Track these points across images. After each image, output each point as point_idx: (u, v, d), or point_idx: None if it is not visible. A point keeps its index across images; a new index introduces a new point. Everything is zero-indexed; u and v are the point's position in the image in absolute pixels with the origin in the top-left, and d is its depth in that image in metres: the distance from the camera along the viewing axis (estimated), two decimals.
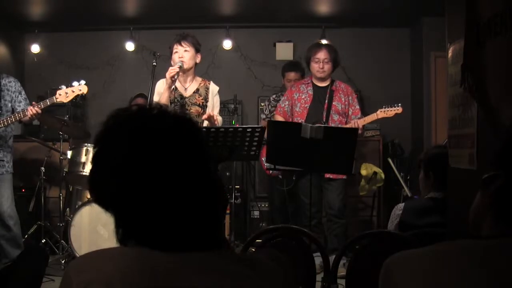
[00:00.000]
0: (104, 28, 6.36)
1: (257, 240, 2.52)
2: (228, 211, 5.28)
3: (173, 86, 3.93)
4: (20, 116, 4.01)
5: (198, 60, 4.11)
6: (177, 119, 1.09)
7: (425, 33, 5.86)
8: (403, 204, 2.72)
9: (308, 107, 4.68)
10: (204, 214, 1.06)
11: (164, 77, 3.91)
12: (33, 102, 4.11)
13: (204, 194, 1.06)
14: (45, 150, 5.17)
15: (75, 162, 4.68)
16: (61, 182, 4.98)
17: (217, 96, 4.14)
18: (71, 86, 4.08)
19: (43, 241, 5.00)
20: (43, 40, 6.33)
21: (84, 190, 4.97)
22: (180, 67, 3.91)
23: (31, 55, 6.39)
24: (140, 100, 5.55)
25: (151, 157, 1.02)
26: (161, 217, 1.02)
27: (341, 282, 2.32)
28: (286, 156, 3.87)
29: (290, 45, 6.35)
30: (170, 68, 3.91)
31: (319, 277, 2.36)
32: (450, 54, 2.47)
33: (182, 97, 4.03)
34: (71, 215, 4.62)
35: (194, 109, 4.01)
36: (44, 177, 5.00)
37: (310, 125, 3.78)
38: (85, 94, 4.15)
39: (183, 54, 3.99)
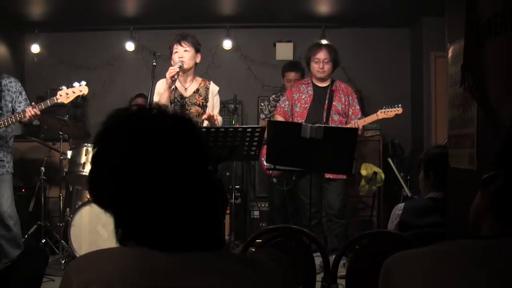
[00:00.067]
0: (104, 28, 6.36)
1: (257, 240, 2.52)
2: (228, 211, 5.28)
3: (173, 86, 3.93)
4: (20, 117, 4.01)
5: (198, 60, 4.11)
6: (177, 119, 1.09)
7: (425, 33, 5.86)
8: (403, 204, 2.72)
9: (308, 107, 4.68)
10: (204, 214, 1.06)
11: (164, 77, 3.91)
12: (33, 103, 4.11)
13: (204, 194, 1.06)
14: (45, 150, 5.17)
15: (75, 162, 4.68)
16: (61, 182, 4.98)
17: (217, 96, 4.14)
18: (72, 86, 4.08)
19: (43, 241, 5.00)
20: (43, 40, 6.33)
21: (84, 190, 4.97)
22: (180, 67, 3.91)
23: (31, 55, 6.39)
24: (140, 100, 5.55)
25: (150, 157, 1.02)
26: (161, 217, 1.02)
27: (341, 282, 2.32)
28: (286, 156, 3.87)
29: (290, 45, 6.35)
30: (170, 68, 3.91)
31: (319, 277, 2.36)
32: (450, 54, 2.47)
33: (182, 97, 4.03)
34: (71, 215, 4.62)
35: (194, 109, 4.01)
36: (44, 177, 5.00)
37: (310, 125, 3.77)
38: (85, 95, 4.14)
39: (183, 54, 3.99)
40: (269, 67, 6.30)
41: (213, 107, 4.07)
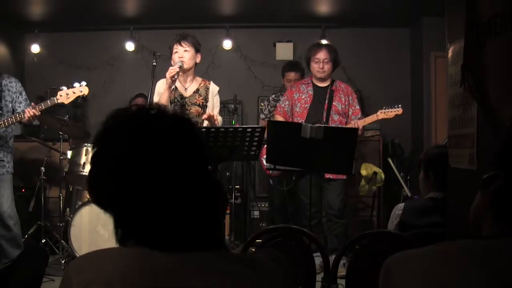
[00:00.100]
0: (104, 28, 6.36)
1: (257, 240, 2.52)
2: (228, 211, 5.29)
3: (173, 86, 3.93)
4: (19, 117, 4.01)
5: (198, 60, 4.11)
6: (176, 119, 1.09)
7: (425, 33, 5.86)
8: (403, 204, 2.72)
9: (308, 107, 4.68)
10: (204, 214, 1.06)
11: (164, 77, 3.91)
12: (32, 104, 4.11)
13: (203, 194, 1.06)
14: (45, 150, 5.17)
15: (75, 162, 4.68)
16: (61, 182, 4.98)
17: (217, 96, 4.14)
18: (72, 87, 4.08)
19: (43, 241, 5.00)
20: (43, 40, 6.33)
21: (84, 190, 4.97)
22: (180, 67, 3.91)
23: (31, 55, 6.39)
24: (140, 100, 5.55)
25: (150, 157, 1.02)
26: (161, 217, 1.02)
27: (341, 282, 2.32)
28: (286, 156, 3.87)
29: (290, 45, 6.35)
30: (170, 68, 3.91)
31: (319, 277, 2.36)
32: (450, 54, 2.47)
33: (182, 97, 4.03)
34: (71, 215, 4.62)
35: (194, 109, 4.01)
36: (44, 177, 5.00)
37: (310, 125, 3.77)
38: (85, 95, 4.14)
39: (183, 54, 3.99)
40: (269, 67, 6.30)
41: (213, 107, 4.07)
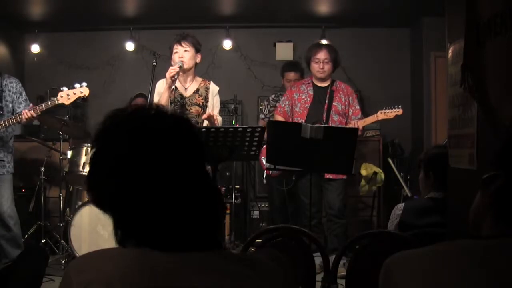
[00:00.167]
0: (104, 28, 6.36)
1: (257, 240, 2.52)
2: (228, 211, 5.29)
3: (173, 86, 3.93)
4: (17, 119, 4.01)
5: (198, 60, 4.11)
6: (176, 119, 1.09)
7: (425, 33, 5.86)
8: (403, 204, 2.72)
9: (308, 107, 4.68)
10: (204, 214, 1.06)
11: (164, 77, 3.91)
12: (30, 105, 4.11)
13: (203, 193, 1.06)
14: (45, 150, 5.17)
15: (75, 162, 4.68)
16: (61, 182, 4.98)
17: (217, 96, 4.14)
18: (73, 88, 4.07)
19: (43, 241, 5.00)
20: (43, 40, 6.33)
21: (84, 190, 4.97)
22: (180, 67, 3.91)
23: (31, 55, 6.39)
24: (140, 100, 5.55)
25: (150, 157, 1.02)
26: (161, 217, 1.02)
27: (341, 282, 2.32)
28: (286, 156, 3.87)
29: (290, 45, 6.35)
30: (170, 68, 3.91)
31: (319, 277, 2.36)
32: (450, 54, 2.47)
33: (182, 97, 4.03)
34: (71, 215, 4.62)
35: (194, 109, 4.02)
36: (44, 177, 5.00)
37: (310, 125, 3.77)
38: (86, 96, 4.14)
39: (183, 54, 3.99)
40: (269, 67, 6.30)
41: (213, 107, 4.07)
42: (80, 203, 4.81)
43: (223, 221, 1.15)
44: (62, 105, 4.13)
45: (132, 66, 6.39)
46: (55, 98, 4.05)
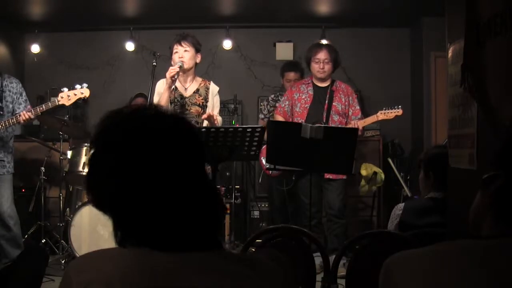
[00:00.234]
0: (104, 28, 6.36)
1: (257, 240, 2.52)
2: (228, 211, 5.29)
3: (173, 86, 3.93)
4: (16, 120, 4.01)
5: (198, 60, 4.11)
6: (175, 119, 1.09)
7: (425, 33, 5.86)
8: (403, 204, 2.72)
9: (308, 107, 4.68)
10: (204, 214, 1.06)
11: (164, 77, 3.91)
12: (28, 107, 4.11)
13: (203, 193, 1.06)
14: (45, 150, 5.17)
15: (75, 162, 4.68)
16: (61, 182, 4.98)
17: (217, 96, 4.14)
18: (73, 89, 4.07)
19: (43, 241, 5.00)
20: (43, 40, 6.33)
21: (84, 190, 4.97)
22: (180, 67, 3.91)
23: (31, 55, 6.39)
24: (140, 100, 5.55)
25: (150, 157, 1.02)
26: (160, 217, 1.02)
27: (341, 282, 2.32)
28: (286, 156, 3.87)
29: (290, 45, 6.35)
30: (170, 68, 3.91)
31: (319, 277, 2.36)
32: (450, 54, 2.47)
33: (182, 97, 4.03)
34: (71, 215, 4.62)
35: (194, 109, 4.01)
36: (44, 177, 5.01)
37: (310, 125, 3.77)
38: (86, 97, 4.14)
39: (183, 54, 3.99)
40: (269, 67, 6.30)
41: (213, 107, 4.07)
42: (80, 203, 4.80)
43: (223, 221, 1.15)
44: (63, 106, 4.13)
45: (132, 66, 6.39)
46: (56, 99, 4.05)
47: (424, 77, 5.93)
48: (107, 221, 1.06)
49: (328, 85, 4.72)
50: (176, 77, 3.92)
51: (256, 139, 3.36)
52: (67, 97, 4.05)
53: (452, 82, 2.41)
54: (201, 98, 4.06)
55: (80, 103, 5.90)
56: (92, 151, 1.07)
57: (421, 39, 5.94)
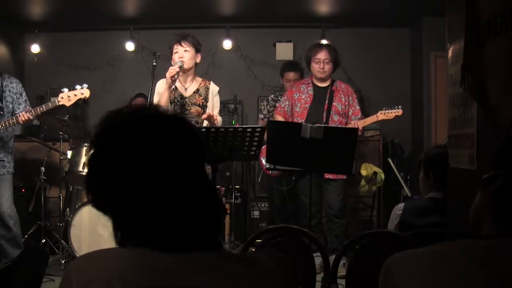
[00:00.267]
0: (104, 28, 6.36)
1: (257, 240, 2.52)
2: (228, 211, 5.29)
3: (173, 86, 3.93)
4: (14, 121, 4.01)
5: (198, 60, 4.11)
6: (175, 119, 1.09)
7: (425, 33, 5.86)
8: (403, 204, 2.72)
9: (308, 107, 4.68)
10: (204, 214, 1.06)
11: (164, 77, 3.91)
12: (27, 108, 4.11)
13: (203, 193, 1.06)
14: (45, 150, 5.17)
15: (75, 162, 4.68)
16: (61, 182, 4.98)
17: (217, 96, 4.14)
18: (74, 89, 4.07)
19: (43, 241, 5.00)
20: (43, 40, 6.33)
21: (84, 190, 4.96)
22: (180, 67, 3.91)
23: (31, 55, 6.39)
24: (140, 100, 5.55)
25: (150, 157, 1.02)
26: (160, 218, 1.02)
27: (341, 282, 2.32)
28: (286, 156, 3.87)
29: (290, 45, 6.35)
30: (170, 68, 3.91)
31: (319, 277, 2.36)
32: (450, 54, 2.47)
33: (182, 97, 4.03)
34: (71, 215, 4.62)
35: (194, 109, 4.01)
36: (44, 177, 5.00)
37: (310, 125, 3.77)
38: (87, 98, 4.14)
39: (183, 54, 3.99)
40: (269, 67, 6.30)
41: (213, 107, 4.07)
42: (80, 203, 4.81)
43: (223, 221, 1.15)
44: (63, 106, 4.13)
45: (132, 66, 6.39)
46: (56, 100, 4.05)
47: (424, 77, 5.93)
48: (107, 221, 1.06)
49: (328, 85, 4.72)
50: (176, 77, 3.92)
51: (256, 139, 3.36)
52: (67, 97, 4.05)
53: (452, 82, 2.41)
54: (201, 98, 4.06)
55: (80, 103, 5.90)
56: (91, 151, 1.07)
57: (421, 39, 5.94)
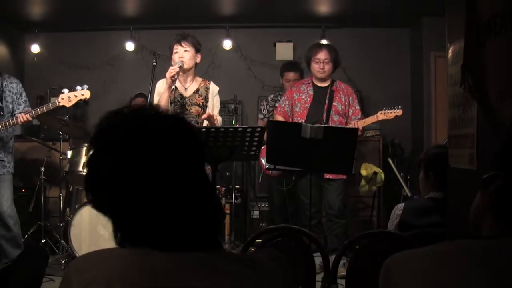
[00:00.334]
0: (104, 28, 6.36)
1: (257, 240, 2.52)
2: (228, 211, 5.29)
3: (173, 86, 3.93)
4: (14, 121, 4.01)
5: (198, 60, 4.11)
6: (175, 119, 1.09)
7: (425, 33, 5.86)
8: (403, 204, 2.72)
9: (308, 107, 4.68)
10: (204, 214, 1.06)
11: (164, 77, 3.91)
12: (26, 109, 4.10)
13: (203, 193, 1.06)
14: (45, 150, 5.17)
15: (75, 162, 4.68)
16: (61, 182, 4.98)
17: (217, 96, 4.14)
18: (74, 90, 4.07)
19: (43, 241, 5.00)
20: (43, 40, 6.33)
21: (84, 190, 4.96)
22: (180, 67, 3.91)
23: (31, 55, 6.39)
24: (140, 100, 5.55)
25: (149, 157, 1.02)
26: (160, 218, 1.02)
27: (341, 282, 2.32)
28: (286, 156, 3.87)
29: (290, 45, 6.35)
30: (170, 68, 3.91)
31: (319, 277, 2.36)
32: (450, 54, 2.47)
33: (182, 97, 4.03)
34: (71, 215, 4.62)
35: (194, 109, 4.01)
36: (44, 177, 5.00)
37: (310, 125, 3.77)
38: (87, 99, 4.14)
39: (183, 54, 3.99)
40: (269, 67, 6.30)
41: (213, 107, 4.07)
42: (80, 203, 4.81)
43: (223, 221, 1.15)
44: (63, 107, 4.13)
45: (132, 66, 6.39)
46: (56, 100, 4.06)
47: (424, 77, 5.93)
48: (107, 221, 1.05)
49: (328, 85, 4.72)
50: (176, 77, 3.92)
51: (256, 139, 3.36)
52: (67, 98, 4.05)
53: (452, 82, 2.41)
54: (201, 98, 4.06)
55: (81, 103, 5.90)
56: (91, 151, 1.07)
57: (421, 39, 5.94)
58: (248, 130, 3.36)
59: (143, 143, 1.03)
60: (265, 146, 4.18)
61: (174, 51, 4.02)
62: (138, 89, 5.72)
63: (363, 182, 5.01)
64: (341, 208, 4.65)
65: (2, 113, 4.10)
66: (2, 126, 3.98)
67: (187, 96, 4.04)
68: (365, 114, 4.91)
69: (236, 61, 6.43)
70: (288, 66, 5.53)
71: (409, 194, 4.76)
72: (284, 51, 6.33)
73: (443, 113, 4.02)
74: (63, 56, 6.38)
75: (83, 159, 4.66)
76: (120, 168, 1.02)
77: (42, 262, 4.00)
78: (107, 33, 6.42)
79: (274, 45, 6.37)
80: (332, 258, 2.42)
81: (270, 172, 4.93)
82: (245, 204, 5.85)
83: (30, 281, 3.70)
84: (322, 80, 4.70)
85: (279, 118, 4.80)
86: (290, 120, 4.71)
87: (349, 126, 4.57)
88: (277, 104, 5.09)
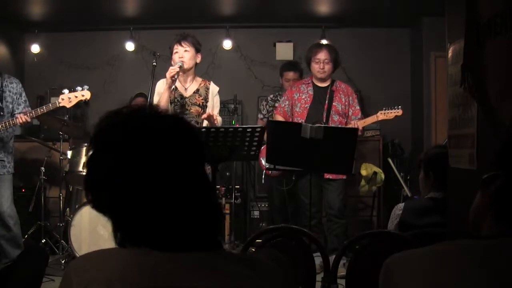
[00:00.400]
0: (104, 28, 6.36)
1: (257, 240, 2.52)
2: (228, 211, 5.29)
3: (173, 86, 3.93)
4: (13, 122, 4.01)
5: (198, 60, 4.11)
6: (175, 119, 1.09)
7: (425, 33, 5.86)
8: (403, 204, 2.72)
9: (308, 107, 4.68)
10: (204, 214, 1.06)
11: (164, 77, 3.91)
12: (25, 109, 4.10)
13: (203, 193, 1.06)
14: (45, 150, 5.17)
15: (75, 162, 4.68)
16: (61, 182, 4.98)
17: (217, 96, 4.14)
18: (74, 91, 4.07)
19: (43, 241, 5.00)
20: (43, 40, 6.33)
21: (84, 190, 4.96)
22: (180, 67, 3.91)
23: (31, 55, 6.39)
24: (140, 100, 5.55)
25: (149, 157, 1.02)
26: (160, 218, 1.02)
27: (341, 282, 2.32)
28: (286, 156, 3.87)
29: (290, 45, 6.35)
30: (170, 68, 3.91)
31: (319, 277, 2.36)
32: (450, 54, 2.47)
33: (182, 97, 4.03)
34: (71, 215, 4.62)
35: (194, 109, 4.01)
36: (44, 177, 5.00)
37: (310, 125, 3.77)
38: (87, 100, 4.14)
39: (183, 54, 3.99)
40: (269, 67, 6.30)
41: (213, 107, 4.07)
42: (80, 203, 4.81)
43: (223, 221, 1.15)
44: (63, 107, 4.13)
45: (132, 66, 6.39)
46: (56, 101, 4.06)
47: (424, 77, 5.93)
48: (107, 221, 1.05)
49: (328, 85, 4.72)
50: (176, 77, 3.92)
51: (256, 139, 3.36)
52: (67, 99, 4.05)
53: (452, 82, 2.41)
54: (201, 98, 4.06)
55: (81, 104, 5.90)
56: (91, 151, 1.07)
57: (421, 39, 5.94)
58: (248, 130, 3.36)
59: (143, 143, 1.03)
60: (265, 146, 4.19)
61: (174, 51, 4.02)
62: (138, 89, 5.72)
63: (363, 182, 5.01)
64: (341, 208, 4.65)
65: (2, 113, 4.10)
66: (2, 126, 3.98)
67: (187, 96, 4.04)
68: (365, 114, 4.91)
69: (236, 61, 6.43)
70: (288, 66, 5.53)
71: (409, 194, 4.76)
72: (284, 51, 6.33)
73: (443, 113, 4.02)
74: (63, 56, 6.38)
75: (83, 159, 4.66)
76: (120, 168, 1.02)
77: (42, 262, 4.00)
78: (107, 33, 6.42)
79: (274, 45, 6.37)
80: (332, 258, 2.42)
81: (270, 172, 4.93)
82: (245, 204, 5.85)
83: (30, 281, 3.70)
84: (322, 80, 4.70)
85: (279, 118, 4.80)
86: (290, 120, 4.71)
87: (349, 126, 4.57)
88: (277, 104, 5.09)
